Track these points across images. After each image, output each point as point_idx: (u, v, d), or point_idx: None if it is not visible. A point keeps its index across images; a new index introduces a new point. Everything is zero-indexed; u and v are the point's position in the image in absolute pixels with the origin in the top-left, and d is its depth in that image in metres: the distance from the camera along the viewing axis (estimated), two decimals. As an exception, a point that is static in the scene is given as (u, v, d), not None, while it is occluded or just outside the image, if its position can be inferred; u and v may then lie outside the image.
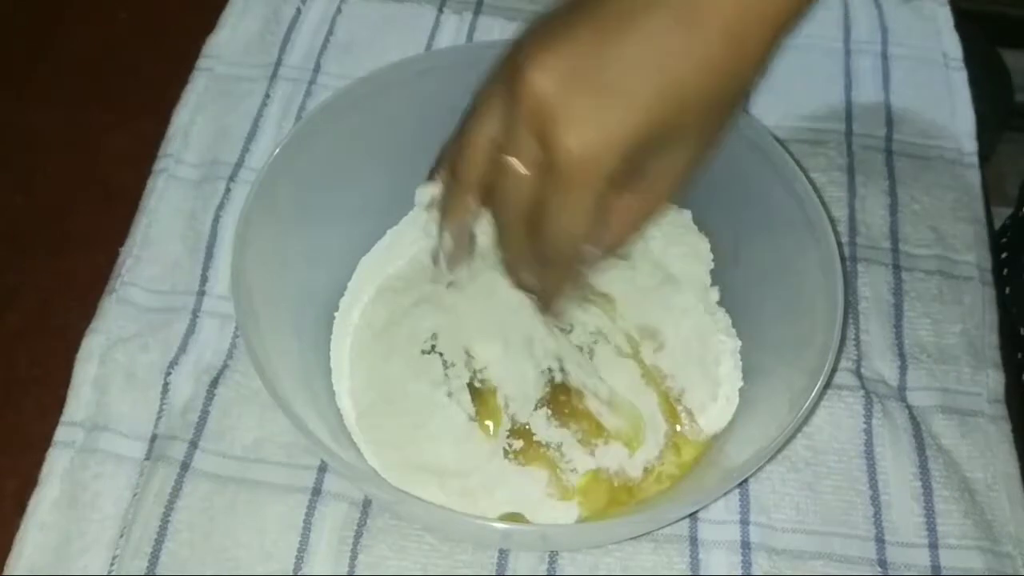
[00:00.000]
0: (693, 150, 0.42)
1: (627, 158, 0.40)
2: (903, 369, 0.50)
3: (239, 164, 0.56)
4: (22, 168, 0.58)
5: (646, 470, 0.45)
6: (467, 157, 0.42)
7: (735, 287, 0.50)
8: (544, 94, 0.39)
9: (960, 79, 0.61)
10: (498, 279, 0.44)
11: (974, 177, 0.57)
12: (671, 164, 0.42)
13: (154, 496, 0.45)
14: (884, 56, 0.62)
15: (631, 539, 0.45)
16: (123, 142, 0.58)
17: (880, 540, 0.45)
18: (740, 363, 0.48)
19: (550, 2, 0.60)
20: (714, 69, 0.39)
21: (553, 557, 0.45)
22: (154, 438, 0.47)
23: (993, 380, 0.50)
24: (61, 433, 0.47)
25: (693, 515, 0.45)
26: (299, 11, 0.63)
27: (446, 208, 0.44)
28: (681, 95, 0.39)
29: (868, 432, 0.48)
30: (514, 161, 0.41)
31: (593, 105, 0.39)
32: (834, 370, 0.49)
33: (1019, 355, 0.49)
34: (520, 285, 0.43)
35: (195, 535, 0.44)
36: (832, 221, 0.47)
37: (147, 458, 0.47)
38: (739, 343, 0.48)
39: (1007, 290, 0.51)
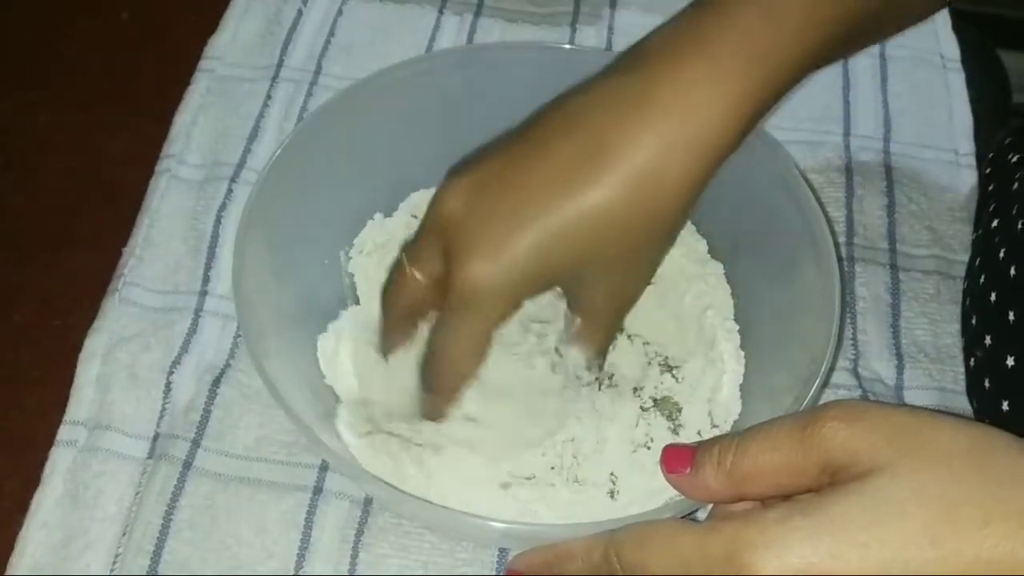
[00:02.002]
0: (621, 279, 0.41)
1: (528, 289, 0.40)
2: (900, 368, 0.50)
3: (241, 165, 0.56)
4: (25, 169, 0.59)
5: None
6: (396, 282, 0.43)
7: (733, 287, 0.50)
8: (450, 214, 0.40)
9: (958, 80, 0.61)
10: None
11: (971, 178, 0.57)
12: (600, 292, 0.42)
13: (156, 495, 0.45)
14: (882, 57, 0.62)
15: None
16: (125, 143, 0.59)
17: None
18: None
19: (549, 3, 0.60)
20: (622, 206, 0.38)
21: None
22: (156, 437, 0.47)
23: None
24: (63, 432, 0.47)
25: (691, 514, 0.46)
26: (300, 12, 0.64)
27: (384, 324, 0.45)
28: (589, 231, 0.38)
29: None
30: (409, 268, 0.42)
31: (492, 234, 0.39)
32: (832, 369, 0.49)
33: (972, 361, 0.50)
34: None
35: (197, 534, 0.44)
36: (830, 222, 0.47)
37: (149, 457, 0.47)
38: (738, 338, 0.49)
39: (967, 301, 0.51)
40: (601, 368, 0.46)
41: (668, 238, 0.41)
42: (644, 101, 0.39)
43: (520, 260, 0.39)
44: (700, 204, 0.51)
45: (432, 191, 0.52)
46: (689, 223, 0.51)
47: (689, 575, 0.31)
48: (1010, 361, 0.45)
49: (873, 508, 0.29)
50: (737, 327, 0.49)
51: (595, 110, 0.40)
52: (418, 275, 0.42)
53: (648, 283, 0.43)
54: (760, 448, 0.33)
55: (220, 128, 0.58)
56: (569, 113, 0.40)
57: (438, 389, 0.43)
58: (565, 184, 0.39)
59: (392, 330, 0.44)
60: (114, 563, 0.44)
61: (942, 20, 0.64)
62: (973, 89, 0.61)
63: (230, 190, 0.55)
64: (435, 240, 0.41)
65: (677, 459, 0.35)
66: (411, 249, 0.42)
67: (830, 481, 0.31)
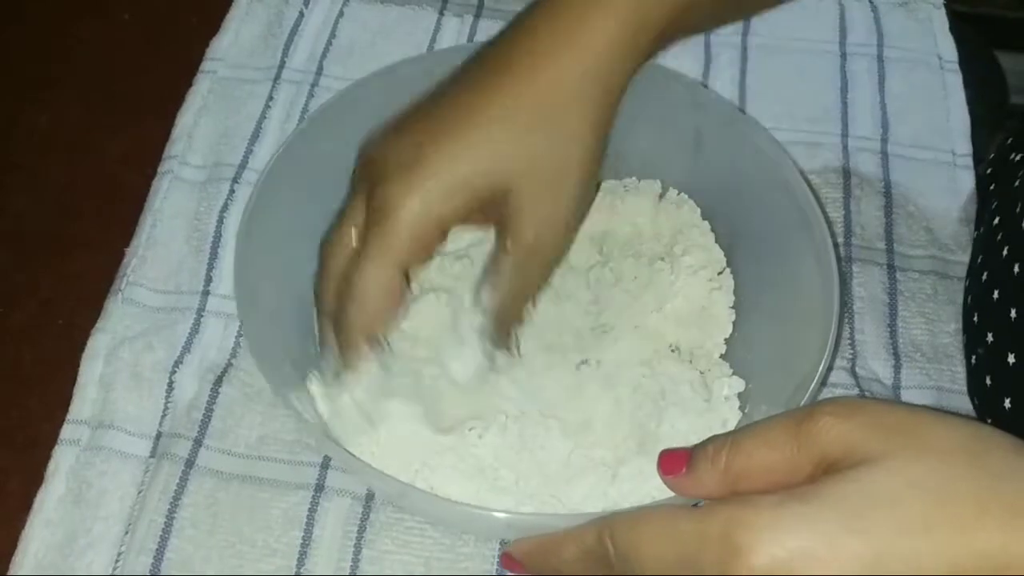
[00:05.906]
0: (540, 204, 0.41)
1: (442, 209, 0.40)
2: (897, 368, 0.51)
3: (242, 165, 0.57)
4: (27, 170, 0.59)
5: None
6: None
7: (732, 286, 0.50)
8: (369, 159, 0.42)
9: (955, 81, 0.62)
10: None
11: (968, 179, 0.58)
12: (524, 219, 0.41)
13: (159, 493, 0.45)
14: (880, 59, 0.62)
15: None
16: (128, 144, 0.59)
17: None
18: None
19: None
20: (526, 117, 0.41)
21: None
22: (159, 436, 0.48)
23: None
24: (67, 431, 0.48)
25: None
26: (302, 14, 0.64)
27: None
28: (495, 143, 0.40)
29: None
30: (343, 225, 0.42)
31: (403, 159, 0.40)
32: (830, 369, 0.50)
33: (973, 359, 0.50)
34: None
35: (199, 532, 0.45)
36: (828, 222, 0.47)
37: (152, 456, 0.47)
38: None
39: (968, 299, 0.52)
40: (518, 326, 0.44)
41: (585, 163, 0.42)
42: (543, 31, 0.42)
43: (429, 176, 0.40)
44: (697, 205, 0.52)
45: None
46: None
47: (682, 554, 0.31)
48: (1011, 359, 0.46)
49: (869, 496, 0.29)
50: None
51: (505, 43, 0.43)
52: (351, 230, 0.42)
53: (577, 217, 0.43)
54: (755, 445, 0.33)
55: (222, 129, 0.58)
56: (481, 56, 0.44)
57: (347, 327, 0.41)
58: (474, 105, 0.41)
59: (327, 290, 0.43)
60: (117, 562, 0.44)
61: (940, 21, 0.64)
62: (971, 90, 0.61)
63: (232, 190, 0.55)
64: (360, 190, 0.42)
65: (673, 461, 0.35)
66: (344, 208, 0.43)
67: (824, 475, 0.31)
